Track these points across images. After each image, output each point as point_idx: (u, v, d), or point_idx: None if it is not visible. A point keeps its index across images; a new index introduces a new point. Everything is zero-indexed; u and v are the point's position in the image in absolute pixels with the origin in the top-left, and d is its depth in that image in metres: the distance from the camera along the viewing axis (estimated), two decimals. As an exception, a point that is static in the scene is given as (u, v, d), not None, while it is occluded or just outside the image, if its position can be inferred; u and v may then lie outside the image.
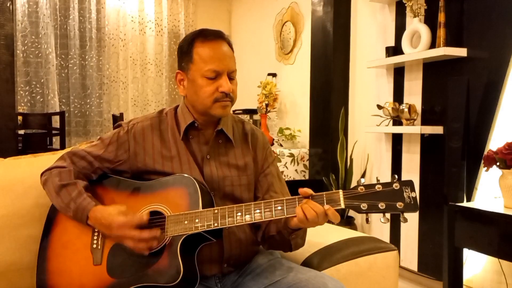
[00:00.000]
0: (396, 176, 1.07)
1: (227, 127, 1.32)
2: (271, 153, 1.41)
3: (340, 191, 1.07)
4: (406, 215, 1.04)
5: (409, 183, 1.05)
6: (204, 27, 1.30)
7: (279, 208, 1.10)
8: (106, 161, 1.29)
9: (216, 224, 1.12)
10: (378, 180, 1.07)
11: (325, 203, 1.07)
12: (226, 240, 1.24)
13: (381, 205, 1.04)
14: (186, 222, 1.13)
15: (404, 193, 1.04)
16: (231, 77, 1.25)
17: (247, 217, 1.11)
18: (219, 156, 1.31)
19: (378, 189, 1.05)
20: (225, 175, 1.29)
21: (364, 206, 1.05)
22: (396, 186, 1.05)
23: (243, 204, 1.13)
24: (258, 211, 1.11)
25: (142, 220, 1.14)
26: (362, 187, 1.06)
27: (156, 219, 1.19)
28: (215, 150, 1.31)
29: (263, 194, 1.34)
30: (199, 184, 1.18)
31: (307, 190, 1.10)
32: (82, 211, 1.20)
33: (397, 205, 1.04)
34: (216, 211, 1.13)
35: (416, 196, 1.05)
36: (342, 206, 1.06)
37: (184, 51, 1.27)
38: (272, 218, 1.11)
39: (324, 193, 1.08)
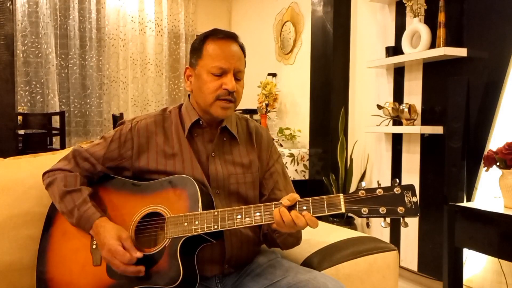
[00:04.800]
0: (397, 180, 1.06)
1: (231, 125, 1.32)
2: (276, 150, 1.41)
3: (341, 195, 1.06)
4: (406, 219, 1.03)
5: (410, 188, 1.04)
6: (216, 28, 1.32)
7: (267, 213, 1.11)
8: (109, 160, 1.29)
9: (216, 227, 1.11)
10: (379, 184, 1.06)
11: (325, 207, 1.06)
12: (228, 241, 1.24)
13: (382, 210, 1.03)
14: (185, 224, 1.12)
15: (405, 198, 1.03)
16: (237, 78, 1.26)
17: (247, 220, 1.11)
18: (224, 153, 1.31)
19: (379, 194, 1.04)
20: (230, 173, 1.28)
21: (364, 210, 1.04)
22: (397, 190, 1.04)
23: (243, 207, 1.13)
24: (258, 213, 1.10)
25: (132, 259, 1.11)
26: (363, 191, 1.05)
27: (155, 221, 1.19)
28: (220, 148, 1.31)
29: (268, 193, 1.34)
30: (199, 185, 1.18)
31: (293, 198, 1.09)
32: (86, 220, 1.20)
33: (398, 209, 1.03)
34: (216, 213, 1.12)
35: (417, 200, 1.03)
36: (343, 210, 1.05)
37: (195, 47, 1.28)
38: (271, 222, 1.10)
39: (324, 196, 1.07)
